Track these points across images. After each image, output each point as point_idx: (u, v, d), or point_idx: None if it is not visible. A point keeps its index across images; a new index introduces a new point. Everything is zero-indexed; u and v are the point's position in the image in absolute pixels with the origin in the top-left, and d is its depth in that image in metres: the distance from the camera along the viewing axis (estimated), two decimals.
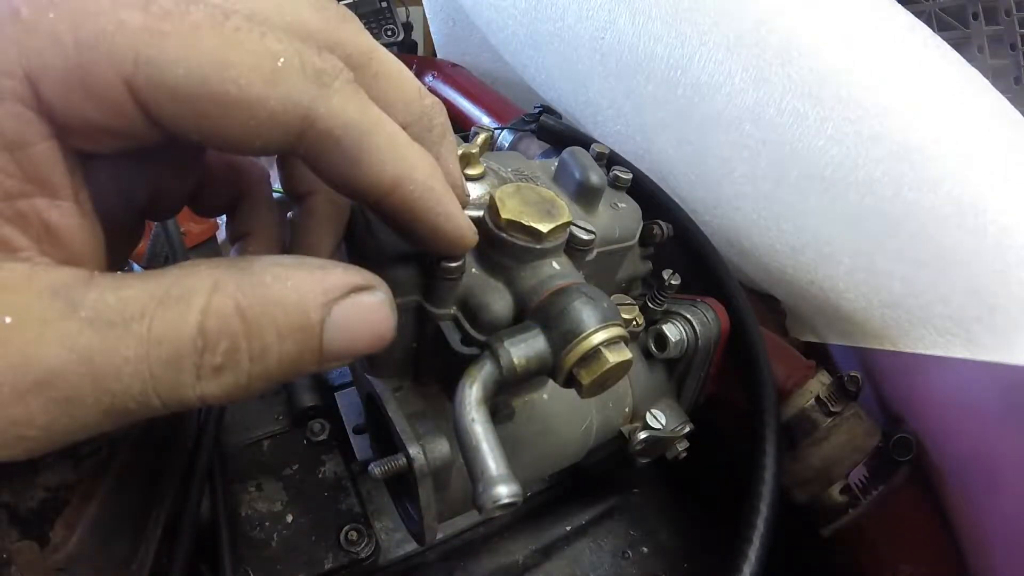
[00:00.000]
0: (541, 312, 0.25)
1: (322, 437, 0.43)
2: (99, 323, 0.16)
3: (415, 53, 1.80)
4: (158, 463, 0.35)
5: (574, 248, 0.29)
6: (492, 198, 0.27)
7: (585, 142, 0.38)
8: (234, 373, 0.18)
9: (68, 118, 0.17)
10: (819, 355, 0.48)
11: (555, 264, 0.28)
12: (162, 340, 0.17)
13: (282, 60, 0.18)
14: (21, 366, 0.16)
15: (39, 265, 0.18)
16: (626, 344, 0.25)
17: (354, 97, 0.20)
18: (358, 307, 0.20)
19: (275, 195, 0.28)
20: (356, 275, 0.20)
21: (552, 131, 0.53)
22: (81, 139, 0.18)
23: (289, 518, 0.39)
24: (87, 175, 0.20)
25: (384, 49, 0.23)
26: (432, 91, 0.92)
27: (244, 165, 0.27)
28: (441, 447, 0.29)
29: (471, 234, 0.24)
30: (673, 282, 0.38)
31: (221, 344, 0.18)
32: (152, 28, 0.17)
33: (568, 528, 0.45)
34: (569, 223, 0.27)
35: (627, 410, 0.39)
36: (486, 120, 0.75)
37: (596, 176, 0.33)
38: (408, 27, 1.81)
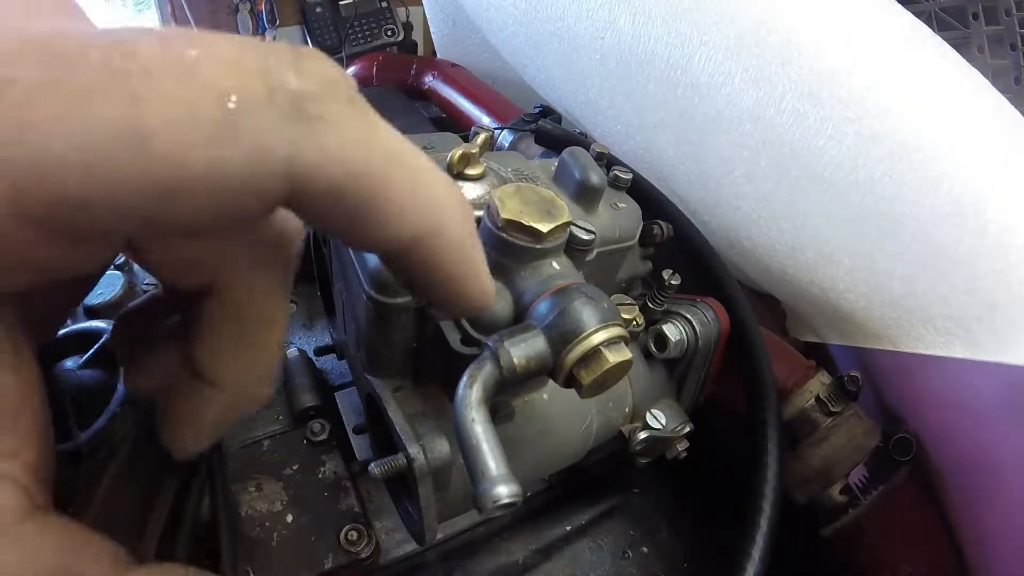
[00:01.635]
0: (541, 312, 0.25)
1: (322, 437, 0.43)
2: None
3: (415, 53, 1.81)
4: (158, 464, 0.35)
5: (574, 248, 0.29)
6: (492, 198, 0.27)
7: (583, 146, 0.38)
8: None
9: None
10: (819, 355, 0.48)
11: (555, 264, 0.28)
12: None
13: (234, 97, 0.12)
14: None
15: None
16: (626, 344, 0.25)
17: (356, 123, 0.14)
18: None
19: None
20: None
21: (550, 135, 0.53)
22: None
23: (289, 518, 0.39)
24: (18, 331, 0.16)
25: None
26: (432, 91, 0.92)
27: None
28: (441, 447, 0.29)
29: (493, 294, 0.20)
30: (673, 282, 0.38)
31: None
32: (19, 124, 0.11)
33: (568, 528, 0.45)
34: (569, 223, 0.27)
35: (627, 410, 0.39)
36: (486, 120, 0.75)
37: (596, 176, 0.33)
38: (408, 27, 1.82)
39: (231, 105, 0.12)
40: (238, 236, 0.18)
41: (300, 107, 0.13)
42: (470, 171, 0.31)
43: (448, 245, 0.17)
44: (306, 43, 1.76)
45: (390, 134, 0.15)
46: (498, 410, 0.31)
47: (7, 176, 0.12)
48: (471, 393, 0.23)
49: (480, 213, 0.28)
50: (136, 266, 0.50)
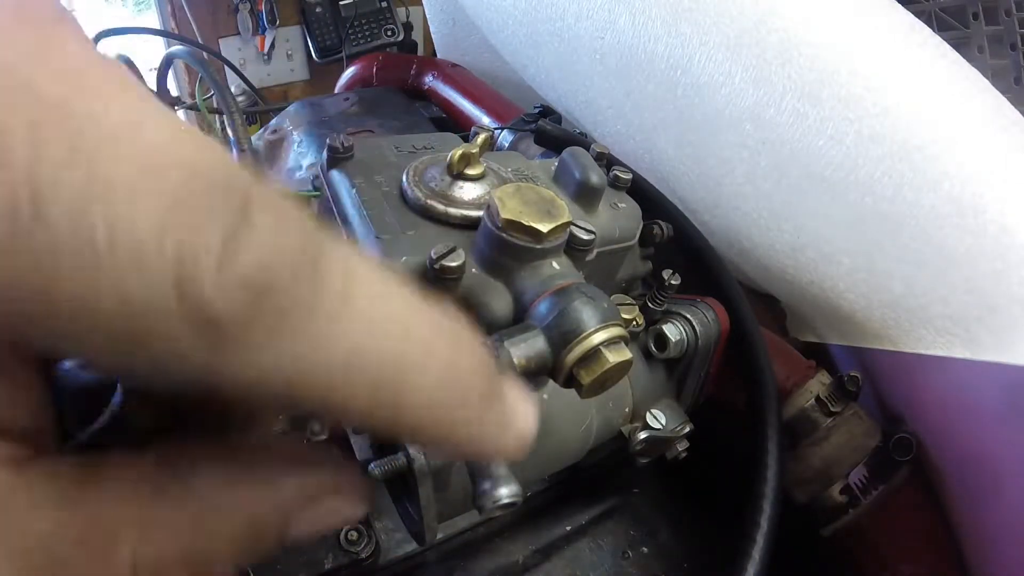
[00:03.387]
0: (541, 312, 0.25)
1: (322, 437, 0.43)
2: (20, 563, 0.14)
3: (415, 53, 1.81)
4: None
5: (574, 248, 0.29)
6: (492, 198, 0.27)
7: (583, 146, 0.38)
8: None
9: None
10: (819, 355, 0.48)
11: (555, 264, 0.28)
12: None
13: (143, 306, 0.11)
14: None
15: None
16: (626, 344, 0.25)
17: (289, 342, 0.12)
18: (320, 513, 0.18)
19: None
20: (315, 481, 0.17)
21: (550, 135, 0.54)
22: None
23: None
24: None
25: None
26: (432, 91, 0.92)
27: None
28: None
29: (524, 441, 0.18)
30: (673, 282, 0.38)
31: None
32: None
33: (568, 528, 0.45)
34: (569, 223, 0.27)
35: (627, 410, 0.39)
36: (486, 120, 0.75)
37: (596, 176, 0.33)
38: (408, 27, 1.82)
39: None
40: None
41: (216, 330, 0.11)
42: (470, 171, 0.31)
43: (432, 438, 0.15)
44: (306, 43, 1.77)
45: (351, 338, 0.13)
46: None
47: None
48: None
49: (480, 213, 0.28)
50: None
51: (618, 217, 0.35)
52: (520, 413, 0.17)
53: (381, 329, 0.13)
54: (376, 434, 0.16)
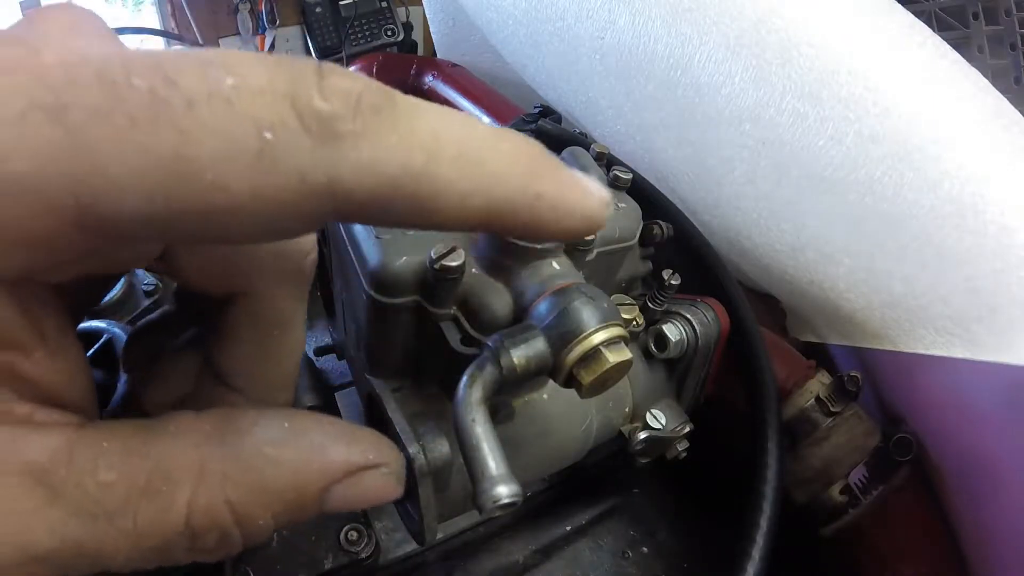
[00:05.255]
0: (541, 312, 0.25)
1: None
2: (83, 514, 0.16)
3: (415, 53, 1.81)
4: None
5: (574, 248, 0.29)
6: None
7: (583, 146, 0.38)
8: (227, 547, 0.18)
9: (9, 274, 0.14)
10: (819, 355, 0.48)
11: (555, 264, 0.28)
12: (148, 533, 0.16)
13: (270, 127, 0.13)
14: (16, 549, 0.15)
15: (17, 429, 0.16)
16: (626, 344, 0.25)
17: (387, 131, 0.14)
18: (359, 486, 0.20)
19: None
20: (360, 452, 0.19)
21: (550, 135, 0.54)
22: (39, 278, 0.15)
23: None
24: (51, 307, 0.17)
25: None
26: (432, 91, 0.92)
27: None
28: (441, 447, 0.29)
29: (601, 211, 0.17)
30: (673, 282, 0.38)
31: (211, 535, 0.17)
32: (77, 146, 0.12)
33: (568, 528, 0.45)
34: None
35: (627, 410, 0.39)
36: (486, 120, 0.75)
37: (596, 176, 0.33)
38: (408, 27, 1.82)
39: (268, 135, 0.13)
40: (264, 247, 0.20)
41: (330, 128, 0.14)
42: None
43: (520, 208, 0.16)
44: (306, 43, 1.76)
45: (429, 126, 0.15)
46: (498, 410, 0.31)
47: (71, 191, 0.13)
48: (471, 393, 0.23)
49: None
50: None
51: (618, 217, 0.35)
52: (590, 184, 0.17)
53: (451, 118, 0.15)
54: (470, 222, 0.16)
